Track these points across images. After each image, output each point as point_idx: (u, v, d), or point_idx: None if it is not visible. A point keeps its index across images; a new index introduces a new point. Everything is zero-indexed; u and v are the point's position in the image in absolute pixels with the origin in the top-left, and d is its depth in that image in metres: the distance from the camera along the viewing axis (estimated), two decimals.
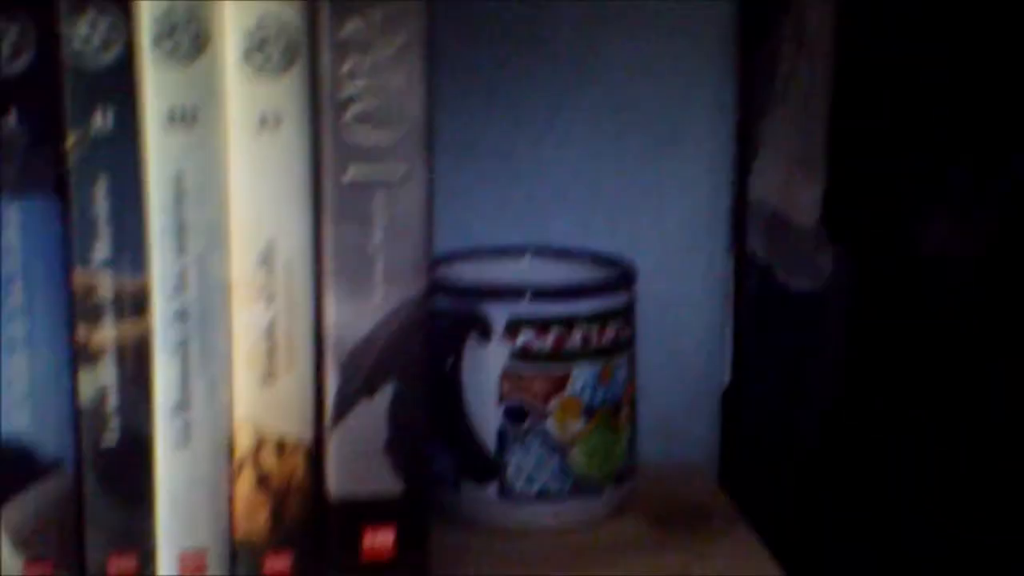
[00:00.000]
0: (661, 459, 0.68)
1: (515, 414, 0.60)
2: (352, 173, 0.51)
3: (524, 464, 0.60)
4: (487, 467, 0.61)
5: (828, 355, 0.68)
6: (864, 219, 0.66)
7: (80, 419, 0.52)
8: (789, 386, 0.70)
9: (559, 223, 0.69)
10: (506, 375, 0.60)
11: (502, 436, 0.60)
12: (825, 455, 0.67)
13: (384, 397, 0.53)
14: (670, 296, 0.70)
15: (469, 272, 0.63)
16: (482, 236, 0.67)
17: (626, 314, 0.62)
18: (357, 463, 0.53)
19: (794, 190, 0.70)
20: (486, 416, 0.60)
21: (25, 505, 0.52)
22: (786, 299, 0.70)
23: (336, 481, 0.53)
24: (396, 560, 0.54)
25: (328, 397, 0.53)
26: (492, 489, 0.61)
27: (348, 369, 0.53)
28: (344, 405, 0.53)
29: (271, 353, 0.52)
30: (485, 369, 0.60)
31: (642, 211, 0.70)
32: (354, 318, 0.52)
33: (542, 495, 0.61)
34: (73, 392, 0.52)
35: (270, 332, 0.52)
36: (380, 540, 0.54)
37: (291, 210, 0.52)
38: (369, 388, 0.53)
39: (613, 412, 0.62)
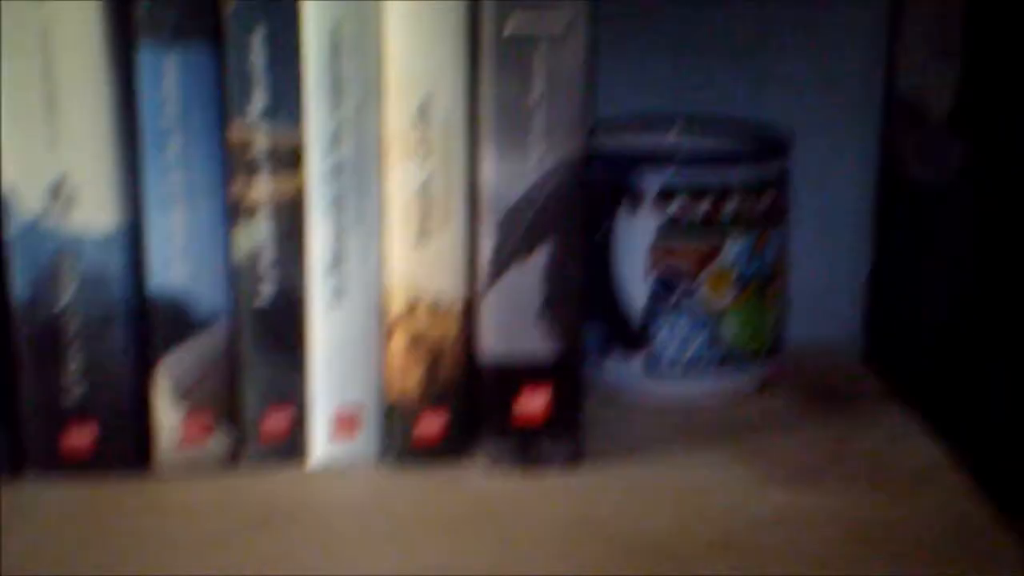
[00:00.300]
0: (805, 337, 0.67)
1: (665, 285, 0.59)
2: (513, 26, 0.50)
3: (672, 336, 0.59)
4: (635, 338, 0.60)
5: (958, 248, 0.66)
6: (996, 114, 0.63)
7: (235, 275, 0.52)
8: (925, 271, 0.68)
9: (709, 92, 0.67)
10: (656, 245, 0.58)
11: (651, 307, 0.59)
12: (961, 337, 0.65)
13: (541, 257, 0.52)
14: (820, 172, 0.67)
15: (618, 140, 0.62)
16: (630, 105, 0.65)
17: (781, 183, 0.60)
18: (512, 324, 0.53)
19: (929, 79, 0.67)
20: (635, 287, 0.59)
21: (184, 357, 0.52)
22: (917, 187, 0.68)
23: (490, 343, 0.53)
24: (549, 424, 0.53)
25: (483, 257, 0.52)
26: (639, 362, 0.60)
27: (504, 228, 0.52)
28: (500, 265, 0.52)
29: (426, 211, 0.52)
30: (635, 239, 0.59)
31: (793, 85, 0.67)
32: (511, 176, 0.51)
33: (690, 368, 0.60)
34: (229, 248, 0.52)
35: (425, 189, 0.51)
36: (533, 403, 0.53)
37: (449, 64, 0.51)
38: (526, 248, 0.52)
39: (765, 284, 0.60)
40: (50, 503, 0.51)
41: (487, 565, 0.47)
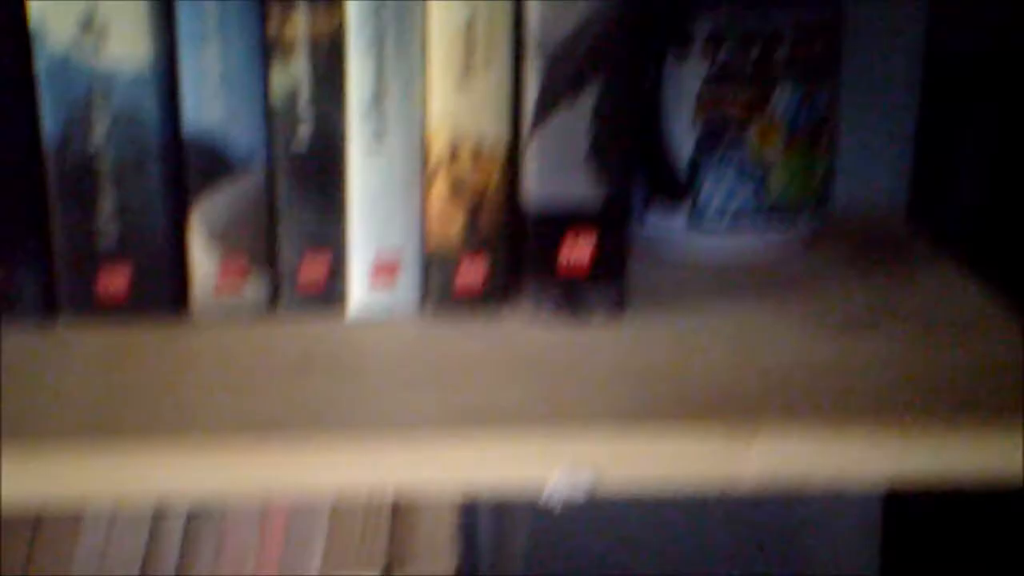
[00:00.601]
0: (851, 193, 0.65)
1: (712, 134, 0.57)
2: None
3: (718, 188, 0.57)
4: (680, 189, 0.58)
5: (1003, 108, 0.65)
6: None
7: (272, 116, 0.50)
8: (971, 128, 0.66)
9: None
10: (704, 92, 0.56)
11: (697, 157, 0.57)
12: (1005, 193, 0.64)
13: (588, 99, 0.50)
14: (871, 32, 0.65)
15: None
16: None
17: (833, 29, 0.58)
18: (557, 169, 0.51)
19: None
20: (681, 136, 0.57)
21: (219, 201, 0.50)
22: (965, 49, 0.66)
23: (534, 189, 0.51)
24: (593, 272, 0.52)
25: (529, 98, 0.50)
26: (683, 213, 0.58)
27: (551, 68, 0.50)
28: (545, 107, 0.50)
29: (470, 49, 0.50)
30: (683, 86, 0.57)
31: None
32: (559, 13, 0.49)
33: (735, 220, 0.58)
34: (265, 88, 0.50)
35: (470, 26, 0.49)
36: (578, 250, 0.52)
37: None
38: (573, 88, 0.50)
39: (814, 136, 0.58)
40: (84, 348, 0.50)
41: (530, 407, 0.46)
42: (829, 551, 0.77)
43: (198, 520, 0.60)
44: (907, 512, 0.74)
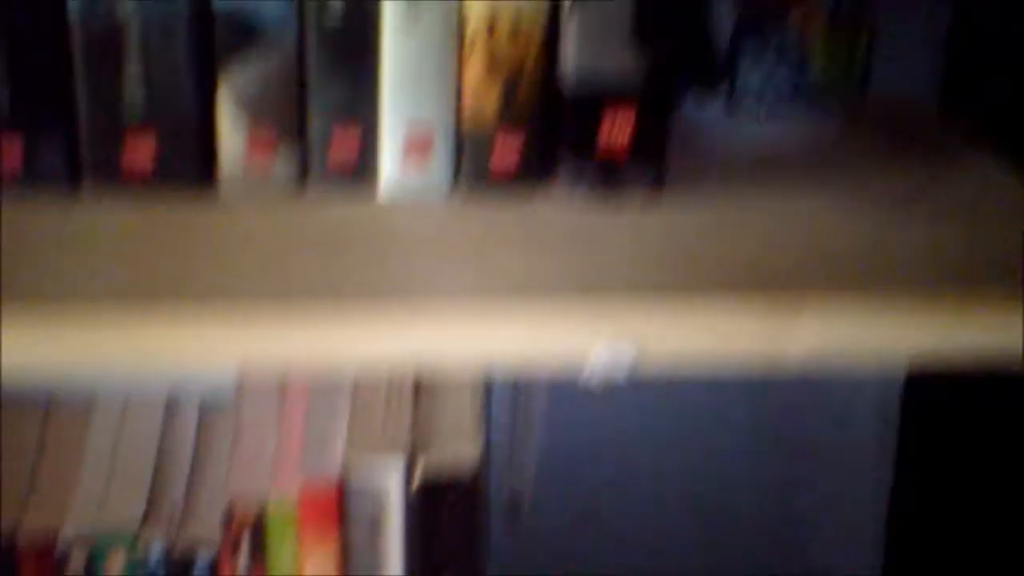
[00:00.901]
0: (885, 83, 0.64)
1: (752, 17, 0.56)
2: None
3: (757, 71, 0.56)
4: (719, 72, 0.56)
5: None
6: None
7: None
8: (1005, 18, 0.65)
9: None
10: None
11: (737, 40, 0.56)
12: None
13: None
14: None
15: None
16: None
17: None
18: (598, 44, 0.49)
19: None
20: (722, 18, 0.56)
21: (248, 71, 0.49)
22: None
23: (573, 64, 0.50)
24: (633, 148, 0.51)
25: None
26: (721, 101, 0.57)
27: None
28: None
29: None
30: None
31: None
32: None
33: (774, 105, 0.57)
34: None
35: None
36: (617, 127, 0.50)
37: None
38: None
39: (854, 20, 0.57)
40: (108, 220, 0.48)
41: (573, 281, 0.44)
42: (846, 435, 0.77)
43: (214, 406, 0.59)
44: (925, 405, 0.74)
